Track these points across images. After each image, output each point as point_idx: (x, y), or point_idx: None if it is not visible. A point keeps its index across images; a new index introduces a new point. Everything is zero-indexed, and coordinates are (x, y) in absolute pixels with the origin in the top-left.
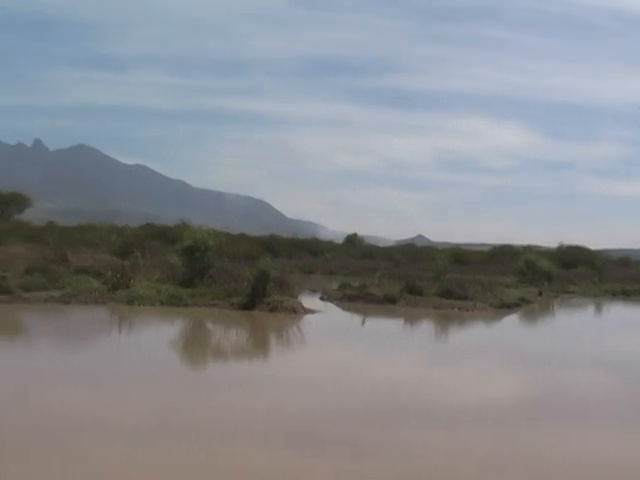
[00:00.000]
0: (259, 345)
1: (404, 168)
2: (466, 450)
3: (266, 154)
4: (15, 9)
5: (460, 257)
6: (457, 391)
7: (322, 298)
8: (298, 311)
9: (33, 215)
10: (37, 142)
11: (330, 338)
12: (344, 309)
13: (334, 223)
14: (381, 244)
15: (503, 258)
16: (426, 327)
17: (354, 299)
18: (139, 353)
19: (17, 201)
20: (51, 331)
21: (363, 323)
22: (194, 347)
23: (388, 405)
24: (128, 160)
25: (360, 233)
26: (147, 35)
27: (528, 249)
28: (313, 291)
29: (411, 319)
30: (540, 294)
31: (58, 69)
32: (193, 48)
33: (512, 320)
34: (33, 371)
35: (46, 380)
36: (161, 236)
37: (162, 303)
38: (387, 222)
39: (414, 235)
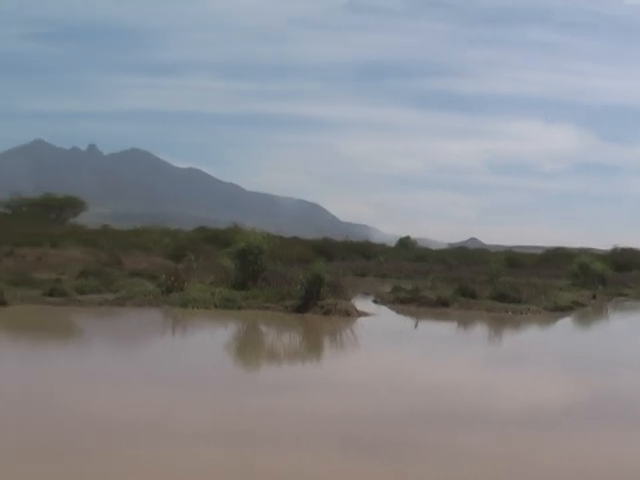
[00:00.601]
0: (312, 348)
1: (455, 171)
2: (519, 455)
3: (318, 157)
4: (70, 17)
5: (513, 260)
6: (511, 394)
7: (375, 301)
8: (351, 314)
9: (88, 219)
10: (91, 147)
11: (383, 341)
12: (397, 312)
13: (386, 226)
14: (433, 247)
15: (556, 261)
16: (479, 330)
17: (407, 302)
18: (193, 356)
19: (72, 205)
20: (106, 333)
21: (416, 326)
22: (248, 350)
23: (441, 408)
24: (181, 164)
25: (412, 236)
26: (199, 40)
27: (582, 252)
28: (366, 294)
29: (464, 322)
30: (594, 297)
31: (112, 75)
32: (244, 53)
33: (566, 323)
34: (88, 373)
35: (101, 382)
36: (214, 239)
37: (216, 306)
38: (439, 225)
39: (466, 238)
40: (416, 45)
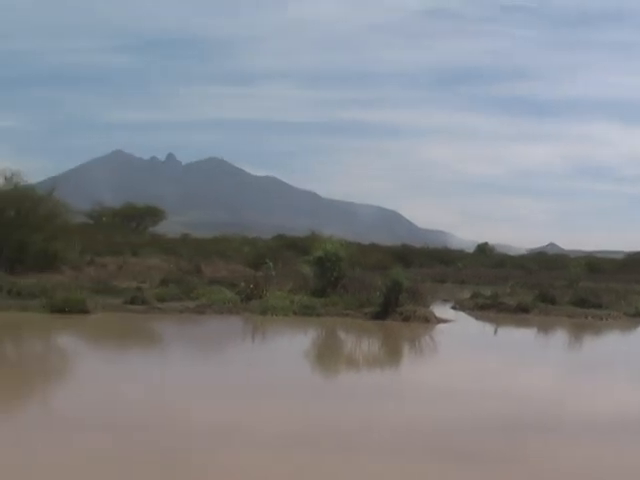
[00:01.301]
0: (392, 354)
1: (534, 176)
2: (601, 465)
3: (396, 164)
4: (151, 29)
5: (593, 265)
6: (593, 402)
7: (454, 307)
8: (430, 320)
9: (167, 227)
10: (170, 156)
11: (463, 347)
12: (476, 318)
13: (464, 232)
14: (512, 253)
15: (637, 266)
16: (560, 336)
17: (486, 308)
18: (272, 362)
19: (152, 214)
20: (187, 340)
21: (495, 332)
22: (327, 356)
23: (522, 416)
24: (259, 172)
25: (490, 241)
26: (278, 49)
27: None
28: (445, 300)
29: (544, 328)
30: None
31: (191, 85)
32: (323, 61)
33: None
34: (170, 379)
35: (183, 388)
36: (292, 247)
37: (295, 313)
38: (517, 230)
39: (545, 243)
40: (493, 50)
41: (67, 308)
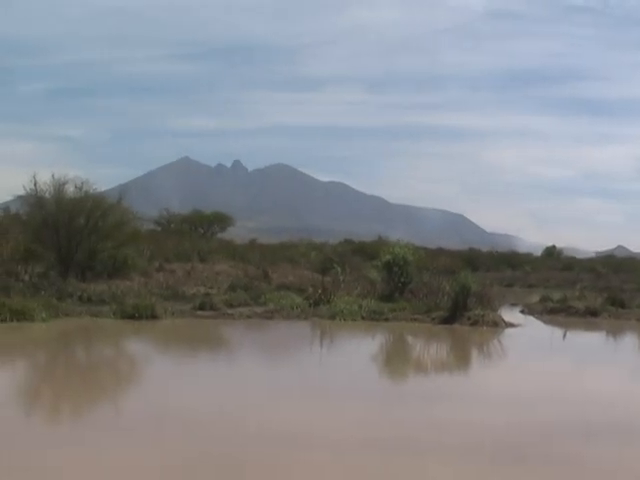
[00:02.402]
0: (460, 359)
1: (602, 178)
2: None
3: (462, 168)
4: (216, 37)
5: None
6: None
7: (522, 311)
8: (499, 325)
9: (235, 233)
10: (236, 162)
11: (532, 352)
12: (545, 322)
13: (531, 235)
14: (580, 256)
15: None
16: (629, 340)
17: (555, 312)
18: (341, 366)
19: (220, 220)
20: (256, 345)
21: (564, 337)
22: (395, 361)
23: (592, 421)
24: (325, 177)
25: (558, 244)
26: (342, 54)
27: None
28: (513, 304)
29: (614, 332)
30: None
31: (255, 92)
32: (388, 65)
33: None
34: (239, 384)
35: (251, 392)
36: (359, 252)
37: (363, 318)
38: (585, 233)
39: (614, 246)
40: (559, 51)
41: (137, 314)
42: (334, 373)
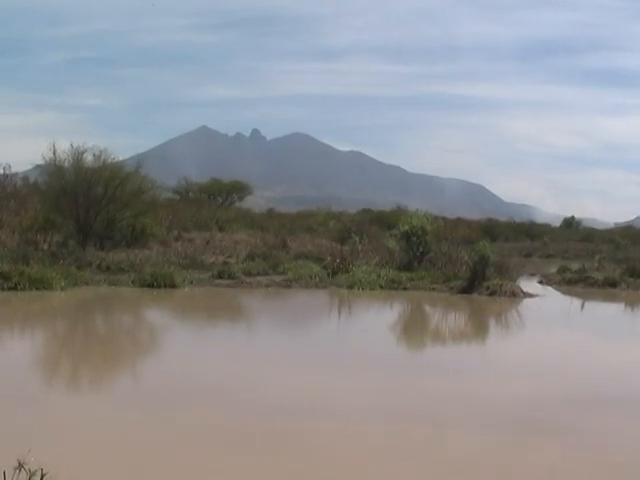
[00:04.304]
0: (478, 329)
1: (622, 149)
2: None
3: (481, 138)
4: (235, 8)
5: None
6: None
7: (541, 282)
8: (517, 295)
9: (253, 202)
10: (255, 132)
11: (550, 322)
12: (563, 293)
13: (550, 206)
14: (598, 226)
15: None
16: None
17: (573, 283)
18: (358, 336)
19: (238, 190)
20: (274, 314)
21: (582, 307)
22: (412, 330)
23: (609, 391)
24: (344, 147)
25: (576, 215)
26: (362, 24)
27: None
28: (531, 275)
29: (632, 303)
30: None
31: (275, 62)
32: (407, 35)
33: None
34: (257, 352)
35: (269, 361)
36: (378, 221)
37: (381, 287)
38: (605, 204)
39: (633, 217)
40: (580, 21)
41: (155, 282)
42: (352, 342)
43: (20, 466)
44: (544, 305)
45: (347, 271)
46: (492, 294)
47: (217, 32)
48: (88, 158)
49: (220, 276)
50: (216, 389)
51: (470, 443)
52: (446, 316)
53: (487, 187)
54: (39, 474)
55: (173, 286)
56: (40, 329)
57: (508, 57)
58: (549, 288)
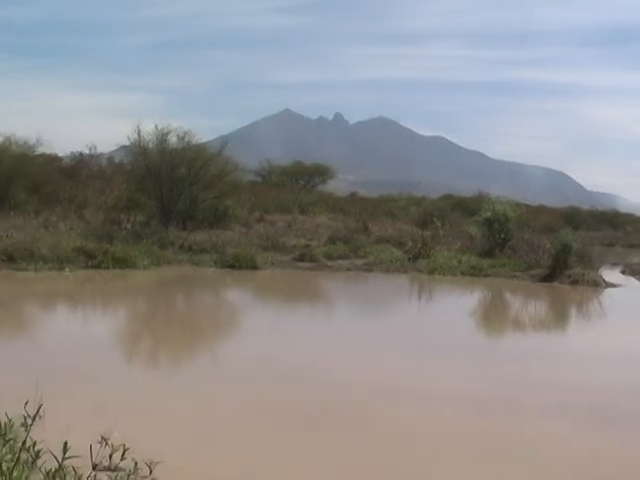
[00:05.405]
0: (558, 318)
1: None
2: None
3: (563, 125)
4: None
5: None
6: None
7: (623, 272)
8: (599, 284)
9: (335, 186)
10: (337, 115)
11: (632, 313)
12: None
13: (634, 195)
14: None
15: None
16: None
17: None
18: (438, 321)
19: (320, 173)
20: (354, 297)
21: None
22: (492, 317)
23: None
24: (426, 131)
25: None
26: (442, 9)
27: None
28: (614, 264)
29: None
30: None
31: (357, 45)
32: (489, 20)
33: None
34: (336, 335)
35: (348, 344)
36: (459, 207)
37: (462, 273)
38: None
39: None
40: None
41: (237, 263)
42: (431, 328)
43: (104, 441)
44: (626, 295)
45: (428, 256)
46: (574, 283)
47: (298, 15)
48: (172, 139)
49: (301, 259)
50: (294, 370)
51: (547, 431)
52: (526, 304)
53: (570, 175)
54: (121, 449)
55: (255, 267)
56: (123, 307)
57: (591, 42)
58: (632, 278)
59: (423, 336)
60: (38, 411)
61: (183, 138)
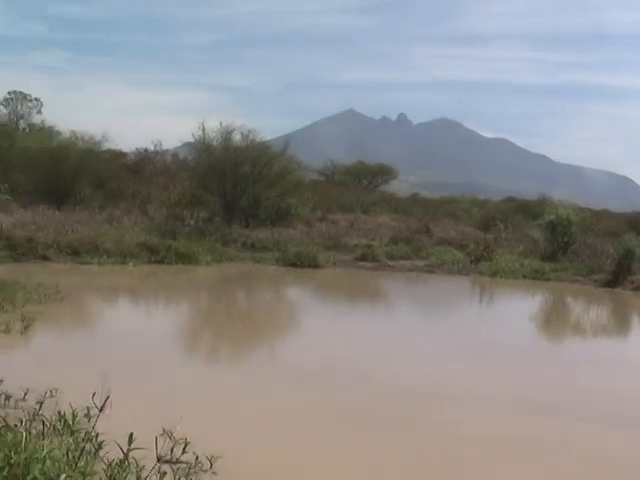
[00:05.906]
0: (620, 324)
1: None
2: None
3: (630, 129)
4: None
5: None
6: None
7: None
8: None
9: (398, 186)
10: (401, 116)
11: None
12: None
13: None
14: None
15: None
16: None
17: None
18: (499, 324)
19: (383, 173)
20: (416, 298)
21: None
22: (554, 322)
23: None
24: (489, 133)
25: None
26: (506, 11)
27: None
28: None
29: None
30: None
31: (421, 46)
32: (557, 23)
33: None
34: (396, 335)
35: (409, 346)
36: (521, 210)
37: (524, 277)
38: None
39: None
40: None
41: (299, 262)
42: (492, 330)
43: (168, 434)
44: None
45: (490, 259)
46: (637, 289)
47: (363, 15)
48: (236, 137)
49: (363, 258)
50: (354, 371)
51: (592, 442)
52: (588, 310)
53: (633, 179)
54: (183, 443)
55: (316, 266)
56: (185, 302)
57: None
58: None
59: (483, 339)
60: (105, 403)
61: (247, 136)
